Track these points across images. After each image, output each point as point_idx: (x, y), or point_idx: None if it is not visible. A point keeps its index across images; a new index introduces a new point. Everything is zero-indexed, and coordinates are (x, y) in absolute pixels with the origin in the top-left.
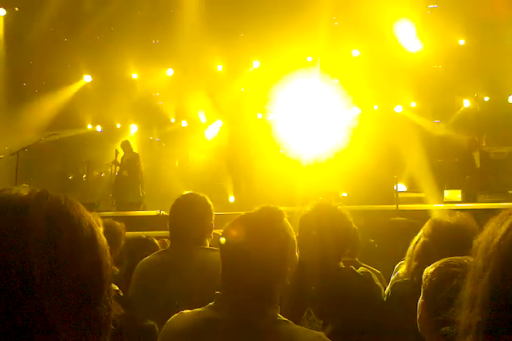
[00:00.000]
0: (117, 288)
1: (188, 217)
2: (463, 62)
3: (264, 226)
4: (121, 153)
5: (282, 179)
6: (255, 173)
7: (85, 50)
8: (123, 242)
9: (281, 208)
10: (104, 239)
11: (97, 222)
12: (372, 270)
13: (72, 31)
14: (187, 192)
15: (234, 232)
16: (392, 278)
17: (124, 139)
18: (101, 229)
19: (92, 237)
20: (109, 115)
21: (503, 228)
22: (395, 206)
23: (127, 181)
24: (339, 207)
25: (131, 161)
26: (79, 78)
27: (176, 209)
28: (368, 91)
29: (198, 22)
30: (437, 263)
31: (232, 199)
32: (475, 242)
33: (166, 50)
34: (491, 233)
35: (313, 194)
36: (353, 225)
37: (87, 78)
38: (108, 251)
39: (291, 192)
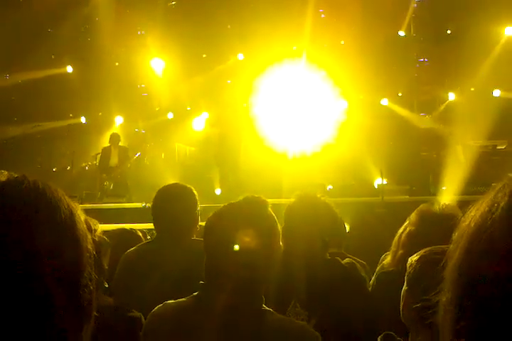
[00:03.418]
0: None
1: (171, 207)
2: (446, 55)
3: (247, 216)
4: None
5: (269, 171)
6: (242, 165)
7: (69, 41)
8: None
9: (267, 200)
10: (84, 224)
11: (77, 208)
12: (358, 261)
13: (56, 22)
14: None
15: (217, 222)
16: (378, 268)
17: (114, 131)
18: (83, 216)
19: (71, 220)
20: (93, 106)
21: (473, 212)
22: (381, 198)
23: (117, 175)
24: (324, 198)
25: (122, 155)
26: (62, 69)
27: (159, 200)
28: (355, 84)
29: (184, 12)
30: (421, 251)
31: (218, 191)
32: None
33: (152, 41)
34: (464, 219)
35: (299, 186)
36: (339, 217)
37: (69, 69)
38: (88, 235)
39: (277, 184)
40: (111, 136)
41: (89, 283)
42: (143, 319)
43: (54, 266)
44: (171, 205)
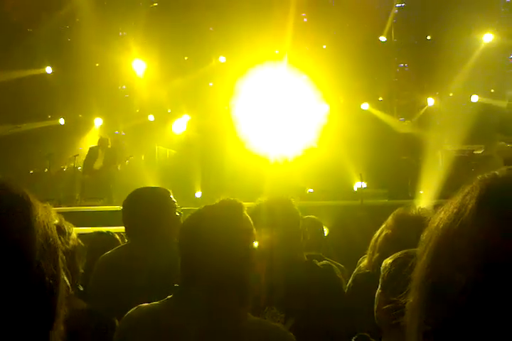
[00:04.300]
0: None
1: (142, 210)
2: (426, 60)
3: (222, 218)
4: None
5: (250, 174)
6: (224, 169)
7: (49, 41)
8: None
9: (247, 203)
10: (44, 218)
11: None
12: (335, 264)
13: (36, 22)
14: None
15: (192, 224)
16: (355, 271)
17: (102, 136)
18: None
19: (26, 206)
20: (72, 108)
21: (442, 214)
22: (360, 201)
23: (103, 178)
24: (292, 200)
25: (110, 158)
26: (41, 69)
27: (129, 203)
28: (336, 88)
29: (166, 14)
30: (396, 254)
31: (199, 194)
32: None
33: (133, 42)
34: (433, 221)
35: (280, 189)
36: (317, 220)
37: (48, 69)
38: (50, 230)
39: (259, 187)
40: (99, 139)
41: (50, 282)
42: (117, 323)
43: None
44: (140, 208)
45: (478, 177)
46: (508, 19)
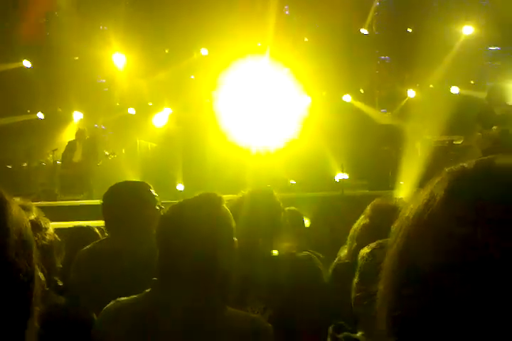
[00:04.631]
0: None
1: (121, 204)
2: (407, 53)
3: (200, 212)
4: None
5: (232, 167)
6: (206, 161)
7: (27, 34)
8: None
9: (230, 196)
10: (19, 215)
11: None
12: (316, 254)
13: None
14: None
15: (170, 218)
16: (335, 261)
17: (80, 128)
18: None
19: (1, 204)
20: (51, 102)
21: (412, 205)
22: (341, 192)
23: (81, 171)
24: (274, 192)
25: (88, 151)
26: (19, 63)
27: (109, 197)
28: (318, 81)
29: (147, 6)
30: (373, 244)
31: (181, 187)
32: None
33: (113, 35)
34: (403, 211)
35: (262, 181)
36: (298, 211)
37: (27, 63)
38: (24, 227)
39: (241, 180)
40: (77, 131)
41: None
42: (95, 317)
43: None
44: (120, 202)
45: (447, 169)
46: (488, 11)
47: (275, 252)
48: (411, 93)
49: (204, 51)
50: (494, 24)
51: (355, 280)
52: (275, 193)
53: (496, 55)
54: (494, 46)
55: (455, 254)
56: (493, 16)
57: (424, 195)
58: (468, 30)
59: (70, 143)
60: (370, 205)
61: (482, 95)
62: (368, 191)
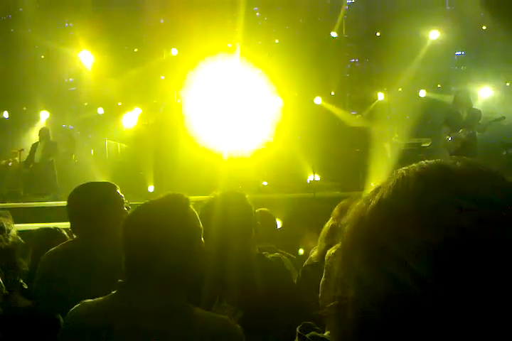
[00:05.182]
0: (21, 281)
1: (86, 205)
2: (375, 56)
3: (165, 213)
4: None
5: (204, 169)
6: (177, 163)
7: None
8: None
9: (201, 197)
10: None
11: None
12: (287, 255)
13: None
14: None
15: (134, 219)
16: (305, 262)
17: (43, 126)
18: None
19: None
20: (17, 101)
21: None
22: (313, 194)
23: (42, 170)
24: (245, 194)
25: (49, 150)
26: None
27: (74, 198)
28: (289, 83)
29: (114, 4)
30: (339, 244)
31: (151, 188)
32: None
33: (80, 33)
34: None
35: (234, 183)
36: (269, 212)
37: None
38: None
39: (212, 181)
40: (40, 130)
41: None
42: (61, 320)
43: None
44: (85, 203)
45: (393, 171)
46: (453, 17)
47: (246, 254)
48: (380, 96)
49: (174, 51)
50: (459, 29)
51: (322, 279)
52: (246, 195)
53: (461, 59)
54: (460, 51)
55: (395, 252)
56: (457, 22)
57: (369, 195)
58: (434, 35)
59: (33, 144)
60: (337, 206)
61: (448, 99)
62: (339, 192)
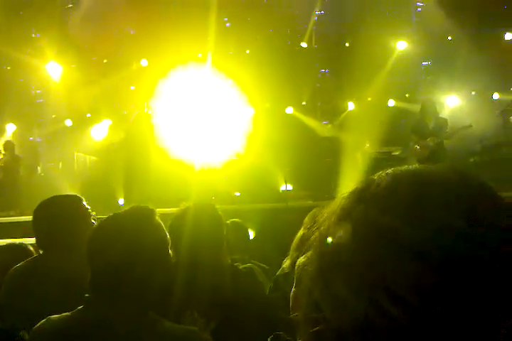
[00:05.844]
0: None
1: (51, 219)
2: (345, 66)
3: (130, 226)
4: None
5: (175, 180)
6: (148, 175)
7: None
8: None
9: (172, 209)
10: None
11: None
12: (260, 266)
13: None
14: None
15: (100, 233)
16: (278, 272)
17: (7, 140)
18: None
19: None
20: None
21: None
22: (285, 204)
23: (5, 185)
24: (215, 205)
25: (12, 164)
26: None
27: (39, 212)
28: (261, 93)
29: (82, 15)
30: (309, 253)
31: (121, 201)
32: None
33: (47, 44)
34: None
35: (206, 195)
36: (241, 223)
37: None
38: None
39: (183, 193)
40: (4, 143)
41: None
42: (26, 336)
43: None
44: (49, 217)
45: (360, 180)
46: (419, 28)
47: (218, 265)
48: (350, 105)
49: (144, 62)
50: (425, 40)
51: (293, 289)
52: (217, 206)
53: (428, 69)
54: (426, 61)
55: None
56: (424, 33)
57: (335, 205)
58: (402, 45)
59: None
60: (308, 215)
61: (416, 108)
62: (311, 202)
